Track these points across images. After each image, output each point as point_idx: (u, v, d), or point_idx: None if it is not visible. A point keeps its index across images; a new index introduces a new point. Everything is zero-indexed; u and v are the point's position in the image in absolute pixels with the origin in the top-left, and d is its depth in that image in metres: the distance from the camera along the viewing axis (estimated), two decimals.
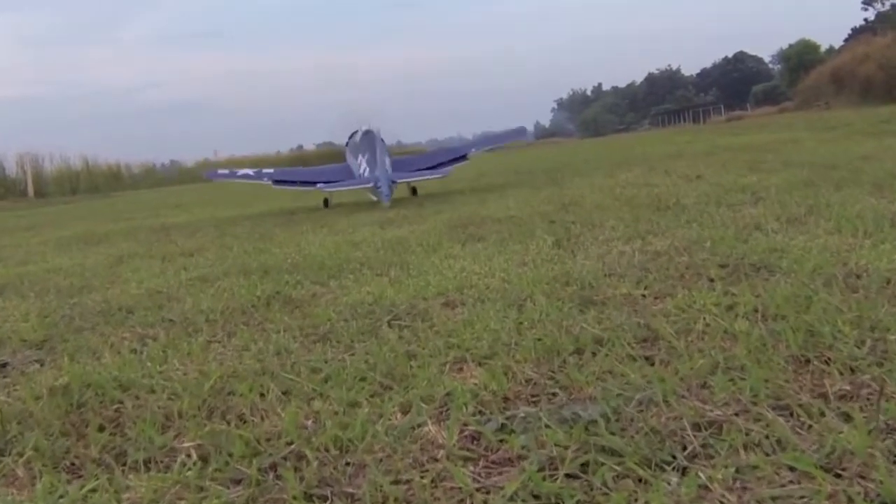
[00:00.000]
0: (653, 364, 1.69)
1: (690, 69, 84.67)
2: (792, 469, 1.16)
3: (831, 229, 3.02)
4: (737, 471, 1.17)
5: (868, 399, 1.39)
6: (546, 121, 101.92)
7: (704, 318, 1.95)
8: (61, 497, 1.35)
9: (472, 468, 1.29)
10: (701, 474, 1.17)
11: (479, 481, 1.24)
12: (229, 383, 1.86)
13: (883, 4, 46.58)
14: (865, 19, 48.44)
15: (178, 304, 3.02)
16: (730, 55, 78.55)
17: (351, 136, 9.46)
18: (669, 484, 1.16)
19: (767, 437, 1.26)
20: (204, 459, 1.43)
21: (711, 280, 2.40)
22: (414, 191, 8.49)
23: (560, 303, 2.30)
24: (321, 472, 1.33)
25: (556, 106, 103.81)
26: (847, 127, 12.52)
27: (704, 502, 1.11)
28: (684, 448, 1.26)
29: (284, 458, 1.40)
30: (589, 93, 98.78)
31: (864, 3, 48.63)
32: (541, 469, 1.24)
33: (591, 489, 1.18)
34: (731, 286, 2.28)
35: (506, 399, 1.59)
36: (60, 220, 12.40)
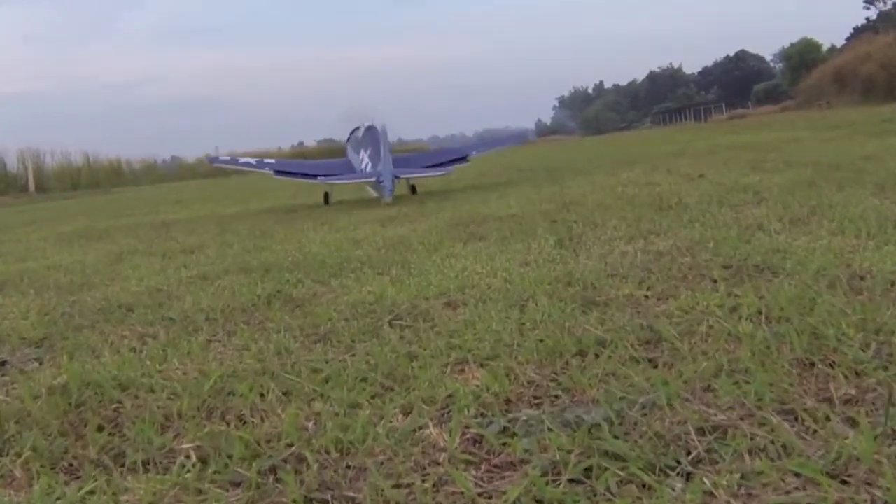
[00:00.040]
0: (656, 366, 1.67)
1: (692, 67, 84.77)
2: (797, 475, 1.15)
3: (834, 230, 3.00)
4: (742, 477, 1.15)
5: (874, 404, 1.37)
6: (547, 118, 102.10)
7: (708, 320, 1.94)
8: (59, 499, 1.34)
9: (474, 472, 1.28)
10: (706, 480, 1.15)
11: (481, 486, 1.23)
12: (229, 383, 1.85)
13: (885, 3, 46.53)
14: (867, 18, 48.46)
15: (178, 302, 3.01)
16: (731, 54, 78.60)
17: (352, 132, 9.46)
18: (674, 490, 1.14)
19: (773, 442, 1.25)
20: (203, 461, 1.42)
21: (715, 281, 2.38)
22: (413, 189, 8.48)
23: (562, 303, 2.28)
24: (321, 475, 1.31)
25: (557, 104, 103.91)
26: (849, 126, 12.50)
27: None
28: (689, 453, 1.25)
29: (284, 461, 1.38)
30: (590, 91, 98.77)
31: (866, 2, 48.60)
32: (544, 474, 1.22)
33: (595, 495, 1.16)
34: (734, 287, 2.26)
35: (508, 401, 1.57)
36: (61, 215, 12.40)
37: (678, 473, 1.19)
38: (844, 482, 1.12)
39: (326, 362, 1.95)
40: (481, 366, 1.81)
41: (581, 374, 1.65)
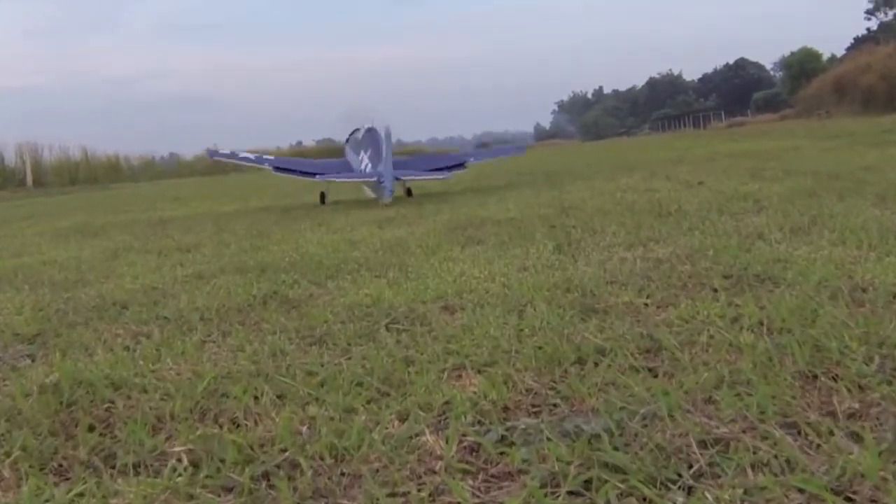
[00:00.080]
0: (656, 376, 1.65)
1: (692, 74, 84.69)
2: (801, 491, 1.13)
3: (835, 241, 2.99)
4: (745, 492, 1.13)
5: (878, 419, 1.35)
6: (546, 122, 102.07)
7: (708, 330, 1.92)
8: (47, 500, 1.31)
9: (471, 482, 1.26)
10: (708, 494, 1.13)
11: (478, 496, 1.21)
12: (223, 385, 1.82)
13: (886, 14, 46.65)
14: (868, 29, 48.56)
15: (173, 300, 2.98)
16: (731, 61, 78.58)
17: (352, 134, 9.44)
18: None
19: (776, 456, 1.22)
20: (195, 465, 1.40)
21: (715, 290, 2.36)
22: (409, 192, 8.46)
23: (561, 310, 2.26)
24: (315, 482, 1.29)
25: (556, 108, 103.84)
26: (849, 136, 12.51)
27: None
28: (690, 466, 1.23)
29: (278, 467, 1.36)
30: (590, 95, 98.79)
31: (867, 12, 48.72)
32: (543, 485, 1.20)
33: None
34: (734, 297, 2.24)
35: (506, 409, 1.55)
36: (58, 210, 12.36)
37: (680, 487, 1.17)
38: (849, 499, 1.10)
39: (322, 365, 1.92)
40: (479, 372, 1.79)
41: (580, 383, 1.63)
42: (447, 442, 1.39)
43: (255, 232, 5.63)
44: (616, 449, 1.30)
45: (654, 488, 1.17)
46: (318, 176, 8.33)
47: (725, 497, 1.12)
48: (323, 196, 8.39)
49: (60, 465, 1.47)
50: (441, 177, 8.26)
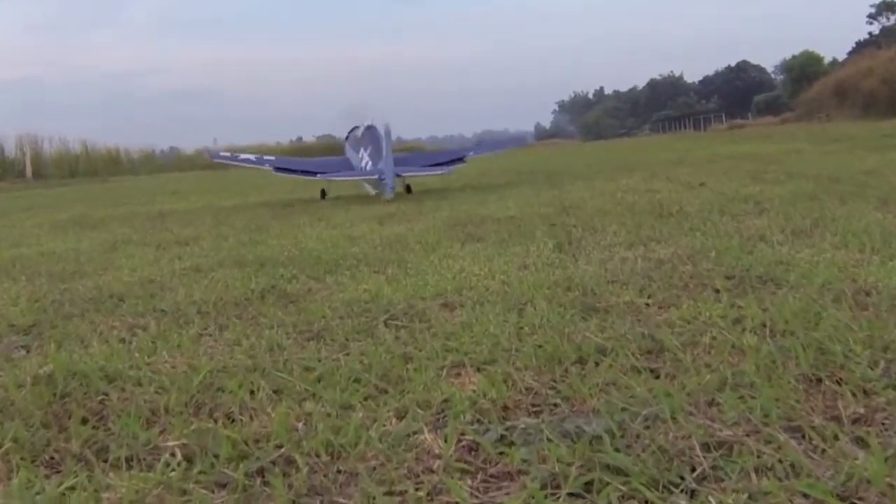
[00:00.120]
0: (658, 377, 1.63)
1: (693, 76, 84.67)
2: (806, 496, 1.11)
3: (838, 244, 2.97)
4: (749, 496, 1.11)
5: (883, 424, 1.33)
6: (547, 122, 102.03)
7: (711, 332, 1.89)
8: (38, 493, 1.29)
9: (469, 482, 1.23)
10: (711, 499, 1.11)
11: (477, 496, 1.19)
12: (219, 379, 1.80)
13: (888, 19, 46.64)
14: (870, 33, 48.54)
15: (170, 293, 2.96)
16: (733, 64, 78.52)
17: (351, 131, 9.44)
18: None
19: (780, 460, 1.20)
20: (189, 460, 1.37)
21: (717, 291, 2.34)
22: (408, 188, 8.44)
23: (562, 309, 2.24)
24: (311, 479, 1.27)
25: (557, 108, 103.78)
26: (849, 140, 12.49)
27: None
28: (693, 469, 1.20)
29: (273, 463, 1.34)
30: (591, 96, 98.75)
31: (869, 16, 48.70)
32: (543, 486, 1.18)
33: None
34: (737, 298, 2.22)
35: (505, 408, 1.53)
36: (57, 202, 12.33)
37: (682, 490, 1.15)
38: None
39: (319, 361, 1.90)
40: (478, 370, 1.76)
41: (581, 383, 1.61)
42: (446, 440, 1.37)
43: (253, 226, 5.61)
44: (617, 450, 1.27)
45: (657, 491, 1.15)
46: (319, 175, 8.31)
47: (729, 501, 1.10)
48: (323, 192, 8.39)
49: (52, 458, 1.44)
50: (441, 172, 8.24)
